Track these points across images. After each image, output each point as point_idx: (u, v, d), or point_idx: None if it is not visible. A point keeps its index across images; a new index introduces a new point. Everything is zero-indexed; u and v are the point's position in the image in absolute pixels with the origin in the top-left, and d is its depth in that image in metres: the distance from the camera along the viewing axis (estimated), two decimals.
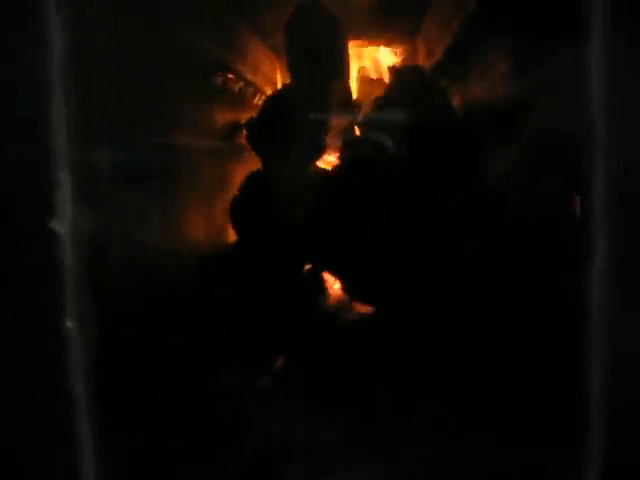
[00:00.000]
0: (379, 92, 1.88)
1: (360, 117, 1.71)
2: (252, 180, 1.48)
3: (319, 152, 1.64)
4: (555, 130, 0.94)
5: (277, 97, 1.67)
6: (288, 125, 1.54)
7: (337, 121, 1.68)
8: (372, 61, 2.26)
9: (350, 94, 1.81)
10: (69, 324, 0.69)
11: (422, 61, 1.88)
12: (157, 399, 0.94)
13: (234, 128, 1.66)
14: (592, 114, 0.73)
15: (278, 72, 2.19)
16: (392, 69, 1.92)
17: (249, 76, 1.78)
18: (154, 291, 1.00)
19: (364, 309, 1.40)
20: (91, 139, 0.79)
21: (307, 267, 1.50)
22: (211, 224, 1.47)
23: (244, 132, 1.63)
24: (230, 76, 1.61)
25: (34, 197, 0.68)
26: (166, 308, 1.07)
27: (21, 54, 0.68)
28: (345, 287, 1.44)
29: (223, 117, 1.60)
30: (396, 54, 2.25)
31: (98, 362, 0.70)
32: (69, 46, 0.68)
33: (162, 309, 1.04)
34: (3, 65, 0.66)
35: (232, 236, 1.52)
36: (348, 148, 1.55)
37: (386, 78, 2.10)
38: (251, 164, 1.64)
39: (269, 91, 1.95)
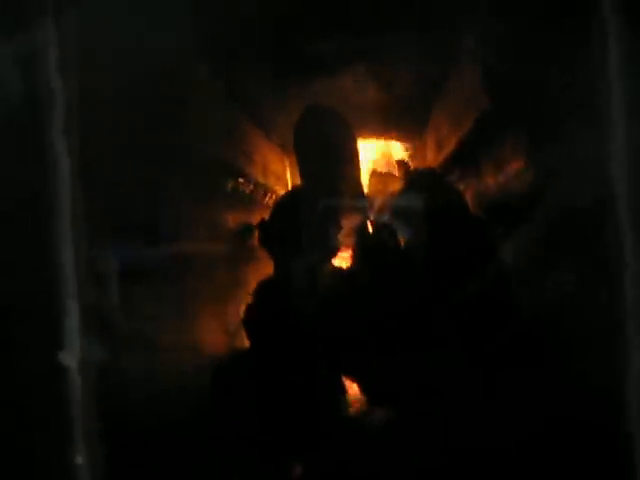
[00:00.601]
0: (390, 186, 1.88)
1: (372, 213, 1.70)
2: (265, 287, 1.46)
3: (332, 250, 1.62)
4: (572, 225, 0.92)
5: (288, 197, 1.68)
6: (300, 225, 1.53)
7: (349, 218, 1.67)
8: (382, 155, 2.28)
9: (362, 191, 1.81)
10: (79, 460, 0.66)
11: (432, 154, 1.89)
12: None
13: (246, 230, 1.66)
14: (612, 210, 0.71)
15: (288, 170, 2.20)
16: (401, 163, 1.93)
17: (259, 178, 1.79)
18: (167, 412, 0.96)
19: (386, 411, 1.36)
20: (99, 250, 0.78)
21: (324, 371, 1.47)
22: (224, 327, 1.45)
23: (256, 233, 1.63)
24: (240, 180, 1.62)
25: (42, 328, 0.66)
26: (180, 425, 1.03)
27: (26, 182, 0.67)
28: (363, 390, 1.40)
29: (235, 219, 1.59)
30: (406, 147, 2.26)
31: None
32: (75, 167, 0.67)
33: (176, 430, 1.00)
34: (6, 198, 0.65)
35: (245, 339, 1.49)
36: (361, 234, 1.55)
37: (396, 172, 2.11)
38: (264, 265, 1.62)
39: (280, 190, 1.96)
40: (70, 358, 0.65)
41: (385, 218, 1.58)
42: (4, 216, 0.66)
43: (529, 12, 0.96)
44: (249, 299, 1.46)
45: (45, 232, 0.65)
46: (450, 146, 1.60)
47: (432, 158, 1.87)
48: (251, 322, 1.43)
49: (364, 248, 1.55)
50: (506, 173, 1.23)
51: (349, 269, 1.55)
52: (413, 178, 1.63)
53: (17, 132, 0.67)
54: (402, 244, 1.48)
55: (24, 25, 0.66)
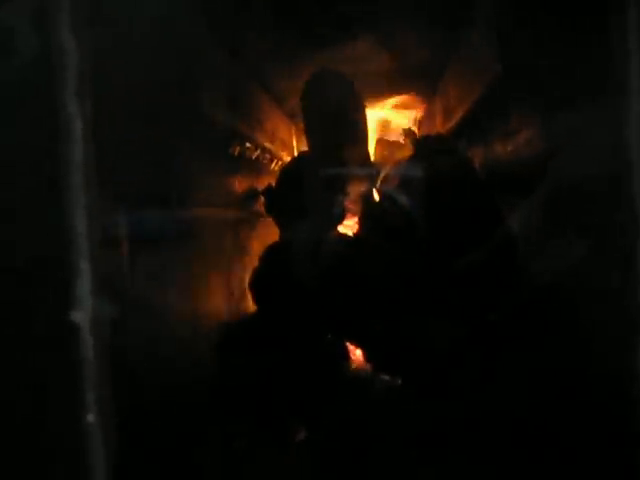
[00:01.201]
0: (397, 154, 1.88)
1: (379, 181, 1.70)
2: (271, 252, 1.46)
3: (339, 217, 1.62)
4: (582, 191, 0.91)
5: (294, 164, 1.67)
6: (306, 192, 1.53)
7: (355, 185, 1.67)
8: (390, 123, 2.27)
9: (368, 158, 1.81)
10: (90, 418, 0.66)
11: (439, 122, 1.88)
12: None
13: (252, 196, 1.65)
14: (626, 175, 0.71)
15: (294, 138, 2.20)
16: (408, 132, 1.92)
17: (266, 143, 1.78)
18: (175, 371, 0.97)
19: (389, 377, 1.37)
20: (110, 213, 0.78)
21: (329, 336, 1.47)
22: (230, 292, 1.45)
23: (262, 200, 1.63)
24: (247, 145, 1.61)
25: (54, 288, 0.66)
26: (186, 387, 1.04)
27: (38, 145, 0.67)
28: (366, 356, 1.40)
29: (241, 185, 1.59)
30: (414, 115, 2.25)
31: (120, 456, 0.68)
32: (88, 130, 0.67)
33: (183, 388, 1.01)
34: (17, 148, 0.65)
35: (250, 304, 1.49)
36: (367, 201, 1.55)
37: (402, 140, 2.11)
38: (269, 231, 1.62)
39: (286, 157, 1.96)
40: (82, 317, 0.66)
41: (392, 185, 1.58)
42: (16, 179, 0.66)
43: None
44: (256, 264, 1.46)
45: (58, 195, 0.66)
46: (458, 114, 1.59)
47: (440, 126, 1.86)
48: (257, 286, 1.43)
49: (370, 215, 1.55)
50: (516, 141, 1.22)
51: (355, 236, 1.55)
52: (421, 144, 1.62)
53: (29, 94, 0.67)
54: (408, 211, 1.47)
55: None
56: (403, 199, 1.46)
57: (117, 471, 0.67)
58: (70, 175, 0.66)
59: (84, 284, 0.66)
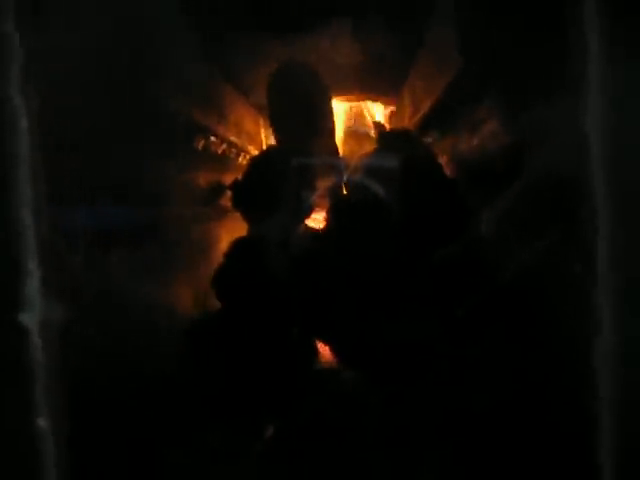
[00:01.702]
0: (366, 147, 1.87)
1: (347, 174, 1.69)
2: (236, 247, 1.45)
3: (307, 211, 1.61)
4: (547, 185, 0.91)
5: (261, 158, 1.66)
6: (274, 186, 1.52)
7: (323, 179, 1.66)
8: (358, 116, 2.25)
9: (336, 151, 1.80)
10: (41, 422, 0.65)
11: (408, 115, 1.87)
12: None
13: (218, 190, 1.64)
14: (586, 171, 0.71)
15: (262, 131, 2.17)
16: (377, 124, 1.91)
17: (232, 137, 1.76)
18: (135, 374, 0.95)
19: (358, 373, 1.36)
20: (64, 209, 0.76)
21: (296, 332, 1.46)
22: (195, 288, 1.43)
23: (229, 194, 1.61)
24: (212, 139, 1.59)
25: (0, 289, 0.64)
26: (146, 387, 1.02)
27: None
28: (335, 352, 1.40)
29: (206, 179, 1.57)
30: (384, 108, 2.24)
31: (72, 460, 0.67)
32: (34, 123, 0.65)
33: (141, 388, 0.99)
34: None
35: (218, 303, 1.48)
36: (335, 195, 1.54)
37: (372, 133, 2.10)
38: (237, 226, 1.61)
39: (254, 151, 1.94)
40: (30, 319, 0.64)
41: (359, 178, 1.57)
42: None
43: None
44: (220, 259, 1.44)
45: (3, 191, 0.63)
46: (426, 106, 1.59)
47: (409, 119, 1.85)
48: (220, 283, 1.41)
49: (337, 208, 1.54)
50: (482, 134, 1.22)
51: (323, 230, 1.54)
52: (385, 138, 1.61)
53: None
54: (375, 204, 1.47)
55: None
56: (374, 185, 1.45)
57: (69, 475, 0.66)
58: (15, 169, 0.64)
59: (32, 284, 0.64)
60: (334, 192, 1.64)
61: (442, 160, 1.49)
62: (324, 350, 1.46)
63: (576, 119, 0.71)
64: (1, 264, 0.64)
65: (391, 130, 1.85)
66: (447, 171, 1.45)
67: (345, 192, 1.65)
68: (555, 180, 0.87)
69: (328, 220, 1.54)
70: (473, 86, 1.18)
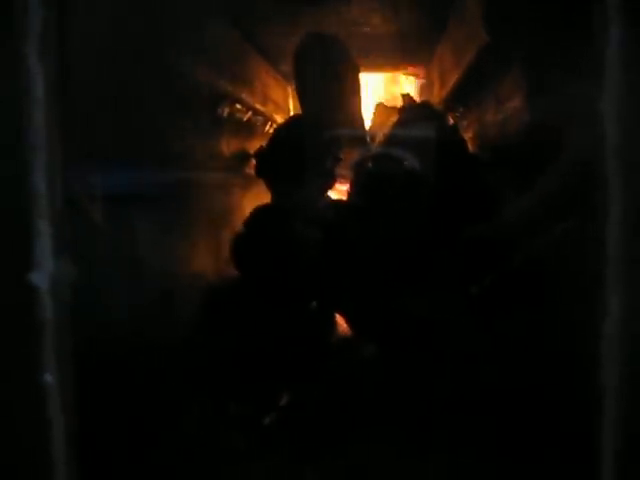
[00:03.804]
0: (393, 119, 1.85)
1: (373, 146, 1.68)
2: (257, 216, 1.45)
3: (331, 181, 1.61)
4: (569, 165, 0.90)
5: (286, 127, 1.65)
6: (298, 155, 1.51)
7: (349, 150, 1.65)
8: (387, 87, 2.24)
9: (362, 122, 1.79)
10: (48, 378, 0.66)
11: (437, 89, 1.86)
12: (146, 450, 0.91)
13: (243, 158, 1.64)
14: (606, 150, 0.70)
15: (290, 100, 2.17)
16: (405, 97, 1.90)
17: (258, 105, 1.76)
18: (145, 334, 0.97)
19: (375, 347, 1.37)
20: (82, 172, 0.77)
21: (314, 304, 1.47)
22: (218, 258, 1.44)
23: (253, 162, 1.61)
24: (237, 106, 1.59)
25: (11, 247, 0.65)
26: (158, 351, 1.04)
27: None
28: (353, 326, 1.40)
29: (231, 147, 1.57)
30: (412, 81, 2.23)
31: (79, 418, 0.68)
32: (50, 84, 0.66)
33: (153, 353, 1.01)
34: None
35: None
36: (362, 167, 1.53)
37: (400, 105, 2.08)
38: (260, 195, 1.61)
39: (280, 119, 1.93)
40: (41, 278, 0.65)
41: (384, 151, 1.56)
42: None
43: None
44: (241, 227, 1.45)
45: (18, 151, 0.64)
46: (453, 81, 1.57)
47: (437, 92, 1.84)
48: (239, 250, 1.42)
49: (362, 180, 1.53)
50: (504, 110, 1.21)
51: (346, 201, 1.54)
52: (408, 110, 1.60)
53: None
54: (400, 177, 1.46)
55: None
56: (399, 158, 1.44)
57: (76, 430, 0.67)
58: (30, 132, 0.64)
59: (44, 245, 0.65)
60: (359, 164, 1.63)
61: (467, 135, 1.48)
62: (342, 323, 1.47)
63: (593, 102, 0.70)
64: (12, 223, 0.65)
65: (413, 102, 1.83)
66: (471, 146, 1.44)
67: (370, 164, 1.65)
68: (572, 164, 0.86)
69: (352, 192, 1.54)
70: (497, 62, 1.17)
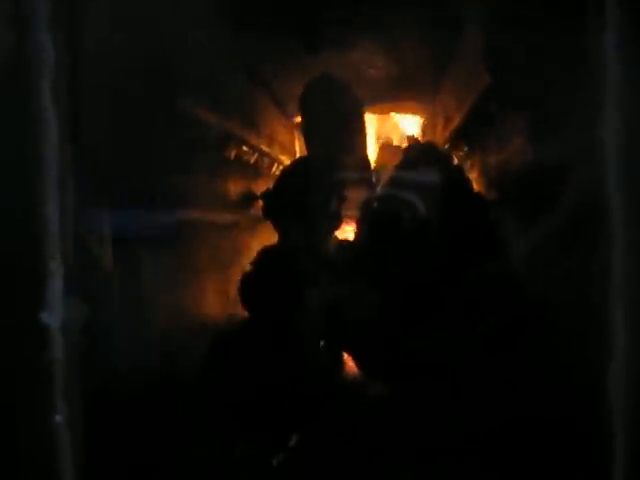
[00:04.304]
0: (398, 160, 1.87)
1: (378, 187, 1.69)
2: (265, 256, 1.46)
3: (336, 222, 1.62)
4: (572, 204, 0.91)
5: (293, 168, 1.67)
6: (305, 196, 1.52)
7: (355, 190, 1.66)
8: (392, 129, 2.26)
9: (368, 163, 1.80)
10: (58, 419, 0.66)
11: (440, 129, 1.87)
12: None
13: (250, 199, 1.65)
14: (608, 187, 0.71)
15: (297, 142, 2.19)
16: (410, 138, 1.92)
17: (265, 147, 1.78)
18: (157, 377, 0.97)
19: (383, 386, 1.36)
20: (94, 213, 0.78)
21: (322, 344, 1.47)
22: (225, 298, 1.45)
23: (260, 203, 1.62)
24: (244, 148, 1.61)
25: (24, 288, 0.66)
26: (165, 390, 1.04)
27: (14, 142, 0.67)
28: (360, 364, 1.40)
29: (238, 188, 1.59)
30: (416, 122, 2.25)
31: (87, 456, 0.68)
32: (64, 127, 0.67)
33: (161, 391, 1.01)
34: None
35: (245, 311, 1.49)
36: (369, 207, 1.54)
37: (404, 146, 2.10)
38: (267, 235, 1.62)
39: (286, 161, 1.95)
40: (53, 318, 0.66)
41: (390, 191, 1.57)
42: None
43: None
44: (249, 267, 1.45)
45: (32, 193, 0.66)
46: (457, 121, 1.59)
47: (441, 133, 1.86)
48: (247, 289, 1.42)
49: (368, 220, 1.54)
50: (507, 149, 1.22)
51: (352, 241, 1.55)
52: (412, 150, 1.61)
53: (6, 90, 0.67)
54: (405, 218, 1.47)
55: None
56: (404, 199, 1.45)
57: (85, 471, 0.67)
58: (44, 173, 0.66)
59: (56, 285, 0.66)
60: (365, 205, 1.64)
61: (471, 174, 1.49)
62: (350, 362, 1.47)
63: (594, 142, 0.72)
64: (25, 264, 0.66)
65: (418, 142, 1.85)
66: (476, 185, 1.45)
67: (376, 205, 1.66)
68: (576, 201, 0.87)
69: (358, 232, 1.55)
70: (499, 101, 1.19)
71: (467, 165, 1.56)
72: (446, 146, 1.73)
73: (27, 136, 0.66)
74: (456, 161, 1.55)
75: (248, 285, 1.41)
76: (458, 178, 1.42)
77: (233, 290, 1.45)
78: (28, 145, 0.66)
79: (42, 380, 0.65)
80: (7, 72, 0.66)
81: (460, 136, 1.61)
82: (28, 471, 0.67)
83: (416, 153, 1.57)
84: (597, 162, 0.72)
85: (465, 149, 1.60)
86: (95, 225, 0.82)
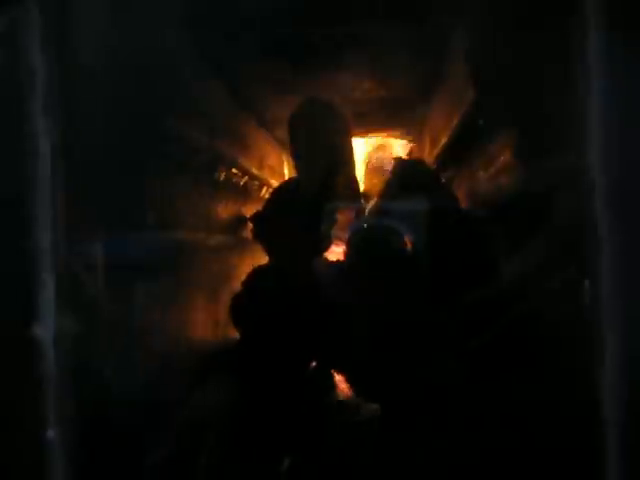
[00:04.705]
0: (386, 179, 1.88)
1: (367, 208, 1.70)
2: (255, 276, 1.46)
3: (326, 243, 1.62)
4: (560, 221, 0.92)
5: (282, 190, 1.68)
6: (294, 218, 1.53)
7: (343, 212, 1.67)
8: (379, 151, 2.28)
9: (357, 185, 1.81)
10: (50, 434, 0.66)
11: (427, 150, 1.89)
12: None
13: (239, 222, 1.66)
14: (596, 205, 0.72)
15: (286, 165, 2.21)
16: (398, 159, 1.93)
17: (254, 170, 1.79)
18: (149, 392, 0.97)
19: (375, 406, 1.36)
20: (84, 234, 0.78)
21: (314, 365, 1.47)
22: (215, 320, 1.45)
23: (249, 226, 1.63)
24: (234, 171, 1.62)
25: (15, 300, 0.66)
26: (155, 407, 1.03)
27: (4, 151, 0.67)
28: (352, 385, 1.40)
29: (227, 211, 1.59)
30: (404, 144, 2.27)
31: (81, 473, 0.68)
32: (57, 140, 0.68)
33: (159, 412, 1.00)
34: None
35: (237, 333, 1.49)
36: (358, 235, 1.54)
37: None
38: (257, 258, 1.63)
39: (276, 184, 1.96)
40: (44, 331, 0.66)
41: (378, 213, 1.58)
42: None
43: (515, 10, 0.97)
44: (238, 288, 1.46)
45: (23, 207, 0.66)
46: (444, 141, 1.61)
47: (428, 153, 1.87)
48: (237, 309, 1.42)
49: (356, 242, 1.55)
50: (496, 167, 1.23)
51: (342, 262, 1.55)
52: (399, 167, 1.62)
53: None
54: (394, 240, 1.47)
55: (5, 2, 0.67)
56: (393, 221, 1.46)
57: None
58: (35, 190, 0.66)
59: (47, 297, 0.66)
60: (354, 226, 1.65)
61: (459, 193, 1.50)
62: (341, 383, 1.47)
63: (582, 157, 0.73)
64: (17, 278, 0.66)
65: (404, 161, 1.86)
66: (464, 205, 1.46)
67: (365, 226, 1.67)
68: (565, 218, 0.88)
69: (347, 254, 1.55)
70: (486, 120, 1.20)
71: (455, 184, 1.58)
72: (434, 167, 1.74)
73: (19, 154, 0.66)
74: (443, 180, 1.56)
75: (238, 306, 1.42)
76: (445, 195, 1.43)
77: (223, 312, 1.46)
78: (20, 161, 0.67)
79: (34, 393, 0.65)
80: None
81: (447, 156, 1.63)
82: None
83: (403, 171, 1.58)
84: (586, 178, 0.73)
85: (453, 168, 1.61)
86: (81, 252, 0.81)
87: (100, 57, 0.86)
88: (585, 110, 0.71)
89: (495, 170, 1.26)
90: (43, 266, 0.66)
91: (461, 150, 1.49)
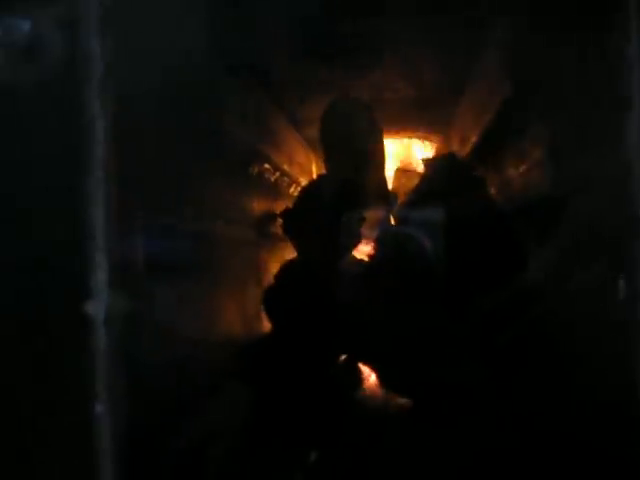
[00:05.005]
0: (414, 183, 1.89)
1: (395, 209, 1.71)
2: (287, 269, 1.48)
3: (355, 241, 1.64)
4: (594, 222, 0.92)
5: (312, 188, 1.69)
6: (323, 216, 1.55)
7: (372, 212, 1.68)
8: (408, 153, 2.29)
9: (385, 185, 1.82)
10: (99, 409, 0.68)
11: (457, 149, 1.90)
12: None
13: (269, 217, 1.68)
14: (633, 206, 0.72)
15: (313, 164, 2.22)
16: (426, 161, 1.94)
17: (285, 167, 1.81)
18: (186, 379, 0.98)
19: (402, 401, 1.37)
20: (127, 223, 0.80)
21: (342, 358, 1.48)
22: (245, 314, 1.46)
23: (279, 222, 1.65)
24: (267, 166, 1.63)
25: (69, 278, 0.68)
26: (198, 397, 1.05)
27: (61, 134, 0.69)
28: (380, 379, 1.41)
29: (258, 206, 1.61)
30: (431, 145, 2.28)
31: (129, 447, 0.69)
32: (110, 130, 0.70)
33: (194, 398, 1.02)
34: (42, 144, 0.68)
35: (266, 326, 1.50)
36: (385, 240, 1.55)
37: (420, 169, 2.13)
38: (285, 253, 1.64)
39: (304, 182, 1.98)
40: (97, 309, 0.67)
41: (407, 214, 1.59)
42: (39, 171, 0.69)
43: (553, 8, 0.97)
44: (270, 282, 1.47)
45: (78, 189, 0.68)
46: (473, 140, 1.61)
47: (459, 153, 1.88)
48: (269, 302, 1.44)
49: (385, 240, 1.56)
50: (527, 164, 1.24)
51: (370, 260, 1.56)
52: (432, 163, 1.63)
53: (54, 92, 0.69)
54: (423, 240, 1.48)
55: None
56: (422, 219, 1.47)
57: (125, 463, 0.68)
58: (91, 170, 0.68)
59: (100, 276, 0.68)
60: (383, 224, 1.66)
61: (490, 191, 1.51)
62: (369, 378, 1.48)
63: (619, 153, 0.73)
64: (71, 255, 0.68)
65: (436, 156, 1.87)
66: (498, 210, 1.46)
67: (393, 224, 1.68)
68: (600, 215, 0.88)
69: (375, 251, 1.56)
70: (519, 116, 1.20)
71: (484, 184, 1.58)
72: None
73: (75, 140, 0.68)
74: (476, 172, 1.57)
75: (272, 295, 1.44)
76: (478, 187, 1.44)
77: (251, 306, 1.47)
78: (77, 143, 0.68)
79: (85, 370, 0.67)
80: (57, 78, 0.69)
81: (477, 154, 1.63)
82: (69, 462, 0.68)
83: (436, 166, 1.59)
84: (622, 178, 0.73)
85: (482, 167, 1.62)
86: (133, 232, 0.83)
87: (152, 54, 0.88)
88: (624, 109, 0.72)
89: (526, 168, 1.27)
90: (97, 247, 0.68)
91: (492, 149, 1.49)
